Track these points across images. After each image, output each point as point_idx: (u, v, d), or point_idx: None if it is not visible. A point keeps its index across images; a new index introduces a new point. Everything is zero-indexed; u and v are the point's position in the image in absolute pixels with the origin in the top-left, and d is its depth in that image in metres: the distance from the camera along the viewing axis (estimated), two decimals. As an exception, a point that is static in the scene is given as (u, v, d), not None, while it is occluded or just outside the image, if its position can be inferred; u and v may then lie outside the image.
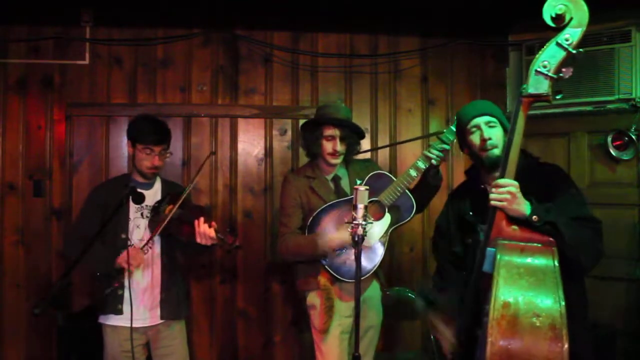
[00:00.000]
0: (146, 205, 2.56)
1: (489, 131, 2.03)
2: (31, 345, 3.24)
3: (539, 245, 1.72)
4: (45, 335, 3.21)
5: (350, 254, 2.57)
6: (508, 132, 1.86)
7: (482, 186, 2.08)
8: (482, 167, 2.09)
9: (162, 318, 2.60)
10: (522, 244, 1.72)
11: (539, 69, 1.74)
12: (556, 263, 1.64)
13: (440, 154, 2.54)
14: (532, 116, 3.65)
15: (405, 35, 3.60)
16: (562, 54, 1.71)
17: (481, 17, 3.54)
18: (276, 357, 3.46)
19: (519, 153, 1.83)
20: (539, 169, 2.06)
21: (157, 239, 2.57)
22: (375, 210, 2.62)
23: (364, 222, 1.91)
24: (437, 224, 2.33)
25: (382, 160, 3.52)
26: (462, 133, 2.12)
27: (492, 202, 1.80)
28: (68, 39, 3.31)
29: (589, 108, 3.34)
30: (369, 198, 2.54)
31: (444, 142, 2.55)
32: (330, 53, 3.53)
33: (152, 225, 2.52)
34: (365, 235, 1.93)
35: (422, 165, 2.57)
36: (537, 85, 1.75)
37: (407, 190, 2.62)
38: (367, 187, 1.95)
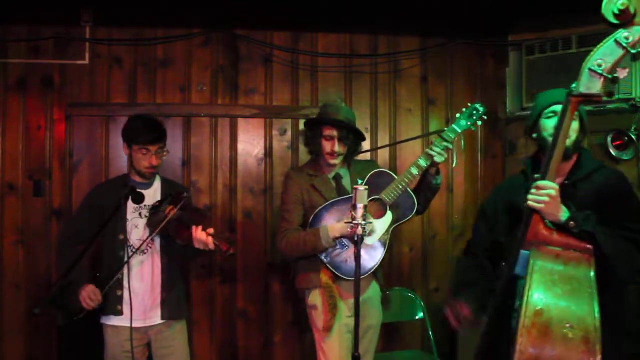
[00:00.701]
0: (145, 205, 2.55)
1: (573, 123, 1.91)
2: (31, 345, 3.24)
3: (577, 252, 1.65)
4: (45, 335, 3.21)
5: (351, 252, 2.57)
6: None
7: (536, 175, 1.96)
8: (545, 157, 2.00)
9: (163, 318, 2.60)
10: (559, 249, 1.66)
11: (592, 68, 1.64)
12: (592, 273, 1.57)
13: (443, 152, 2.54)
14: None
15: (405, 35, 3.60)
16: (620, 52, 1.61)
17: (481, 17, 3.54)
18: (276, 357, 3.46)
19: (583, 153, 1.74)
20: (602, 171, 1.98)
21: (157, 239, 2.56)
22: (377, 208, 2.62)
23: (363, 222, 1.91)
24: (484, 209, 2.25)
25: (382, 160, 3.52)
26: (537, 114, 2.02)
27: (530, 204, 1.74)
28: (68, 39, 3.31)
29: (589, 108, 3.33)
30: (370, 196, 2.57)
31: (446, 140, 2.55)
32: (330, 53, 3.53)
33: (151, 225, 2.51)
34: (366, 235, 1.93)
35: (423, 163, 2.57)
36: (590, 84, 1.65)
37: (408, 189, 2.62)
38: (367, 187, 1.95)
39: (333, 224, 2.55)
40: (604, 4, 1.59)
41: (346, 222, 2.11)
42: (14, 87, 3.28)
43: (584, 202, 1.84)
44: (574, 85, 1.68)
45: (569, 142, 1.90)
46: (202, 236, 2.37)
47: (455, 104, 3.63)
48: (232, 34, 3.45)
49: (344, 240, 2.58)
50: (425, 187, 2.67)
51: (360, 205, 1.92)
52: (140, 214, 2.59)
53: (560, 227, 1.74)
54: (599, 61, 1.63)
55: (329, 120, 2.65)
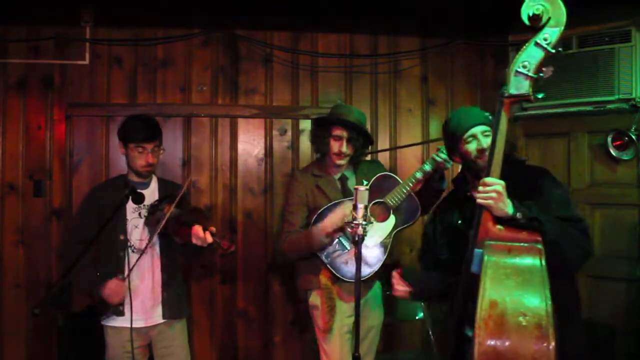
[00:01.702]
0: (144, 205, 2.55)
1: (486, 140, 2.02)
2: (31, 345, 3.24)
3: (525, 244, 1.73)
4: (45, 335, 3.21)
5: (352, 254, 2.57)
6: (492, 134, 1.86)
7: (469, 194, 2.09)
8: (471, 175, 2.10)
9: (164, 317, 2.60)
10: (509, 243, 1.73)
11: (519, 70, 1.74)
12: (543, 262, 1.65)
13: (449, 158, 2.54)
14: (532, 116, 3.70)
15: (405, 35, 3.60)
16: (541, 53, 1.72)
17: (481, 17, 3.54)
18: (276, 358, 3.46)
19: (503, 155, 1.83)
20: (524, 171, 2.08)
21: (156, 239, 2.56)
22: (381, 211, 2.62)
23: (364, 222, 1.92)
24: (425, 233, 2.34)
25: (382, 161, 3.51)
26: (455, 141, 2.11)
27: (479, 201, 1.81)
28: (68, 39, 3.31)
29: (589, 108, 3.34)
30: (375, 199, 2.57)
31: None
32: (330, 53, 3.53)
33: (149, 224, 2.51)
34: (366, 235, 1.93)
35: (428, 168, 2.58)
36: (518, 85, 1.75)
37: (412, 193, 2.62)
38: (367, 188, 1.95)
39: (323, 222, 2.53)
40: (523, 5, 1.71)
41: (346, 222, 2.11)
42: (14, 87, 3.28)
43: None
44: (504, 87, 1.78)
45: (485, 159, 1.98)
46: (201, 233, 2.38)
47: (455, 104, 3.63)
48: (232, 34, 3.45)
49: (344, 242, 2.58)
50: (429, 192, 2.68)
51: (360, 205, 1.92)
52: (139, 214, 2.59)
53: (508, 222, 1.81)
54: (524, 62, 1.74)
55: (340, 120, 2.65)
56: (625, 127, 3.21)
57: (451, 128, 2.13)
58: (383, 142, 3.57)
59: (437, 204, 2.45)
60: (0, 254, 3.25)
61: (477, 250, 1.78)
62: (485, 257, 1.68)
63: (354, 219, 1.92)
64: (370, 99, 3.58)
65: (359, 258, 1.95)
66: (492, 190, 1.79)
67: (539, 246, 1.71)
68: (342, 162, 2.68)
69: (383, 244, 2.61)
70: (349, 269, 2.57)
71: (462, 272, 1.87)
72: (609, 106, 3.26)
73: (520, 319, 1.53)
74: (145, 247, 2.49)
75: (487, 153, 1.99)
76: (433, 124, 3.63)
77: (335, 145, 2.64)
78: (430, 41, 3.61)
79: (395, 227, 2.63)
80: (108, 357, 2.58)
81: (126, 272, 2.43)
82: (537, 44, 1.72)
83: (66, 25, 3.30)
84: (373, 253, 2.59)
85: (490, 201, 1.79)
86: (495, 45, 3.67)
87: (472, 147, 2.05)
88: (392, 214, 2.62)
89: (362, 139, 2.68)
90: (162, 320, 2.60)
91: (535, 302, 1.56)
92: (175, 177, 3.26)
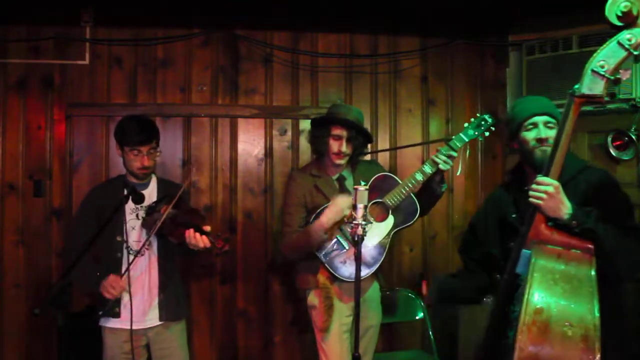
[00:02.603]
0: (141, 206, 2.55)
1: (547, 132, 1.95)
2: (31, 345, 3.24)
3: (578, 251, 1.66)
4: (45, 335, 3.21)
5: (350, 254, 2.57)
6: (556, 132, 1.79)
7: (527, 187, 1.97)
8: (529, 167, 2.02)
9: (161, 319, 2.59)
10: (560, 248, 1.67)
11: (595, 69, 1.64)
12: (593, 272, 1.58)
13: (448, 159, 2.54)
14: (532, 116, 3.63)
15: (405, 35, 3.60)
16: (622, 54, 1.60)
17: (481, 17, 3.54)
18: (276, 358, 3.46)
19: (566, 155, 1.76)
20: (587, 171, 1.99)
21: (154, 240, 2.56)
22: (379, 211, 2.62)
23: (363, 222, 1.91)
24: (473, 223, 2.28)
25: (382, 161, 3.51)
26: (516, 127, 2.03)
27: (531, 200, 1.76)
28: (68, 39, 3.31)
29: (589, 108, 3.33)
30: (373, 199, 2.57)
31: (452, 149, 2.55)
32: (330, 53, 3.53)
33: (146, 225, 2.51)
34: (366, 234, 1.93)
35: (428, 170, 2.57)
36: (592, 85, 1.65)
37: (412, 194, 2.62)
38: (367, 188, 1.95)
39: (320, 218, 2.50)
40: (607, 5, 1.59)
41: (346, 222, 2.11)
42: (14, 87, 3.28)
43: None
44: (576, 86, 1.69)
45: (549, 150, 1.91)
46: (195, 236, 2.37)
47: (455, 104, 3.63)
48: (232, 34, 3.45)
49: (342, 241, 2.58)
50: (429, 193, 2.67)
51: (360, 205, 1.92)
52: (137, 215, 2.57)
53: (562, 226, 1.75)
54: (602, 62, 1.63)
55: (340, 119, 2.64)
56: (625, 127, 3.20)
57: (515, 111, 2.06)
58: (383, 142, 3.57)
59: (490, 195, 2.35)
60: (0, 254, 3.25)
61: (525, 251, 1.72)
62: (533, 260, 1.62)
63: (354, 219, 1.92)
64: (370, 99, 3.58)
65: (358, 258, 1.95)
66: (544, 191, 1.73)
67: (591, 254, 1.64)
68: (342, 161, 2.67)
69: (381, 244, 2.60)
70: (347, 268, 2.57)
71: (506, 272, 1.81)
72: (609, 106, 3.26)
73: (566, 328, 1.48)
74: (141, 248, 2.48)
75: (545, 144, 1.93)
76: (433, 124, 3.63)
77: (334, 145, 2.63)
78: (430, 41, 3.61)
79: (393, 227, 2.63)
80: (106, 358, 2.58)
81: (123, 273, 2.42)
82: (619, 44, 1.61)
83: (66, 25, 3.30)
84: (371, 253, 2.59)
85: (540, 201, 1.73)
86: (495, 45, 3.67)
87: (531, 135, 1.98)
88: (391, 214, 2.62)
89: (361, 138, 2.67)
90: (159, 323, 2.59)
91: (582, 312, 1.50)
92: (175, 177, 3.26)
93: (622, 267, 1.76)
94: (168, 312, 2.60)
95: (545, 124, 1.98)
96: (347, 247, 2.58)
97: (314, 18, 3.47)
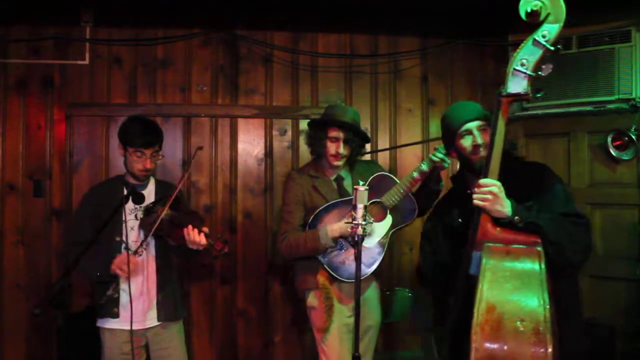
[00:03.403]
0: (140, 207, 2.55)
1: (482, 137, 2.00)
2: (31, 345, 3.24)
3: (524, 246, 1.70)
4: (45, 335, 3.21)
5: (350, 254, 2.57)
6: (490, 134, 1.83)
7: (469, 191, 2.03)
8: (470, 172, 2.07)
9: (159, 320, 2.59)
10: (508, 246, 1.71)
11: (517, 68, 1.72)
12: (542, 265, 1.63)
13: (446, 158, 2.54)
14: (532, 116, 3.69)
15: (405, 35, 3.60)
16: (540, 51, 1.69)
17: (481, 17, 3.54)
18: (276, 357, 3.45)
19: (502, 154, 1.80)
20: (523, 168, 2.05)
21: (151, 240, 2.56)
22: (377, 211, 2.62)
23: (363, 222, 1.91)
24: (424, 232, 2.31)
25: (382, 161, 3.51)
26: (451, 136, 2.08)
27: (475, 202, 1.79)
28: (68, 39, 3.31)
29: (589, 108, 3.34)
30: (372, 199, 2.57)
31: None
32: (330, 53, 3.53)
33: (144, 226, 2.51)
34: (366, 235, 1.93)
35: (425, 168, 2.58)
36: (516, 84, 1.73)
37: (410, 194, 2.62)
38: (367, 188, 1.95)
39: (332, 225, 2.55)
40: (521, 1, 1.67)
41: (346, 222, 2.12)
42: (14, 87, 3.28)
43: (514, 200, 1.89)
44: (502, 87, 1.76)
45: (484, 155, 1.95)
46: (194, 235, 2.37)
47: (455, 104, 3.63)
48: (232, 34, 3.45)
49: (342, 241, 2.58)
50: (426, 192, 2.68)
51: (360, 206, 1.92)
52: (135, 216, 2.58)
53: (507, 224, 1.78)
54: (523, 60, 1.71)
55: (336, 121, 2.64)
56: (625, 127, 3.21)
57: (447, 122, 2.10)
58: (383, 142, 3.57)
59: (435, 203, 2.42)
60: (0, 254, 3.25)
61: (476, 253, 1.75)
62: (484, 260, 1.66)
63: (354, 218, 1.92)
64: (370, 99, 3.58)
65: (359, 258, 1.95)
66: (488, 192, 1.77)
67: (539, 248, 1.68)
68: (340, 163, 2.68)
69: (380, 244, 2.61)
70: (347, 269, 2.57)
71: (459, 275, 1.84)
72: (609, 106, 3.26)
73: (518, 323, 1.52)
74: (138, 249, 2.48)
75: (481, 149, 1.98)
76: (433, 124, 3.62)
77: (332, 147, 2.64)
78: (430, 41, 3.61)
79: (392, 226, 2.63)
80: (105, 359, 2.58)
81: (122, 278, 2.42)
82: (535, 42, 1.69)
83: (66, 25, 3.30)
84: (370, 253, 2.59)
85: (486, 203, 1.77)
86: (495, 45, 3.66)
87: (467, 142, 2.03)
88: (389, 213, 2.62)
89: (358, 139, 2.68)
90: (157, 323, 2.59)
91: (533, 306, 1.54)
92: (175, 178, 3.26)
93: (569, 255, 1.79)
94: (166, 312, 2.60)
95: (478, 127, 2.02)
96: (346, 247, 2.58)
97: (314, 18, 3.47)
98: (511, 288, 1.59)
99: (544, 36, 1.67)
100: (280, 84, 3.50)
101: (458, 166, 2.25)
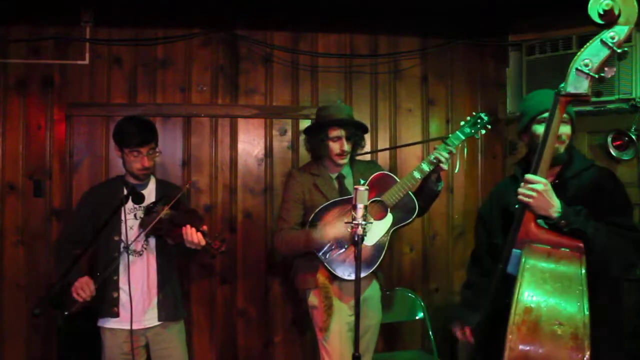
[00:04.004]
0: (140, 207, 2.55)
1: (562, 128, 1.92)
2: (31, 346, 3.24)
3: (567, 250, 1.66)
4: (45, 336, 3.21)
5: (350, 253, 2.57)
6: (544, 131, 1.79)
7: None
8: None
9: (159, 319, 2.59)
10: (550, 247, 1.67)
11: (579, 68, 1.66)
12: (583, 270, 1.59)
13: (446, 157, 2.55)
14: (532, 116, 3.63)
15: (405, 35, 3.60)
16: (606, 52, 1.63)
17: (481, 17, 3.54)
18: (276, 357, 3.45)
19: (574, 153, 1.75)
20: (591, 169, 2.00)
21: (152, 240, 2.56)
22: (378, 210, 2.63)
23: (363, 222, 1.91)
24: (480, 213, 2.30)
25: (382, 161, 3.52)
26: (529, 119, 2.01)
27: (520, 197, 1.76)
28: (68, 39, 3.30)
29: (589, 108, 3.34)
30: (372, 198, 2.57)
31: (449, 146, 2.57)
32: (330, 53, 3.53)
33: (144, 226, 2.51)
34: (366, 235, 1.93)
35: (426, 168, 2.59)
36: (577, 84, 1.68)
37: (410, 192, 2.62)
38: (367, 188, 1.95)
39: (327, 227, 2.55)
40: (589, 4, 1.61)
41: (346, 222, 2.12)
42: (14, 87, 3.28)
43: (573, 199, 1.86)
44: (562, 85, 1.71)
45: (562, 147, 1.93)
46: (192, 234, 2.37)
47: (455, 104, 3.63)
48: (232, 34, 3.45)
49: (343, 240, 2.58)
50: (426, 192, 2.69)
51: (360, 205, 1.92)
52: (135, 215, 2.58)
53: (551, 225, 1.75)
54: (586, 61, 1.66)
55: (335, 120, 2.65)
56: (625, 127, 3.21)
57: (527, 105, 2.05)
58: (383, 142, 3.57)
59: (496, 186, 2.34)
60: (0, 254, 3.25)
61: (515, 251, 1.72)
62: (523, 259, 1.62)
63: (354, 218, 1.92)
64: (370, 99, 3.58)
65: (358, 258, 1.95)
66: (533, 189, 1.73)
67: (581, 253, 1.64)
68: (345, 160, 2.70)
69: (380, 243, 2.61)
70: (347, 267, 2.58)
71: (497, 272, 1.80)
72: (609, 106, 3.26)
73: (556, 327, 1.49)
74: (129, 245, 2.47)
75: (560, 140, 1.91)
76: (433, 124, 3.63)
77: (335, 147, 2.65)
78: (430, 41, 3.61)
79: (392, 225, 2.63)
80: (105, 359, 2.58)
81: (121, 273, 2.41)
82: (602, 42, 1.63)
83: (66, 25, 3.30)
84: (371, 251, 2.59)
85: (530, 200, 1.73)
86: (495, 45, 3.67)
87: (543, 129, 1.93)
88: (390, 212, 2.63)
89: (359, 132, 2.71)
90: (158, 323, 2.59)
91: (572, 311, 1.51)
92: (176, 178, 3.26)
93: (612, 266, 1.76)
94: (167, 312, 2.60)
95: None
96: (346, 246, 2.58)
97: (314, 18, 3.47)
98: (550, 290, 1.56)
99: (612, 37, 1.62)
100: (280, 84, 3.50)
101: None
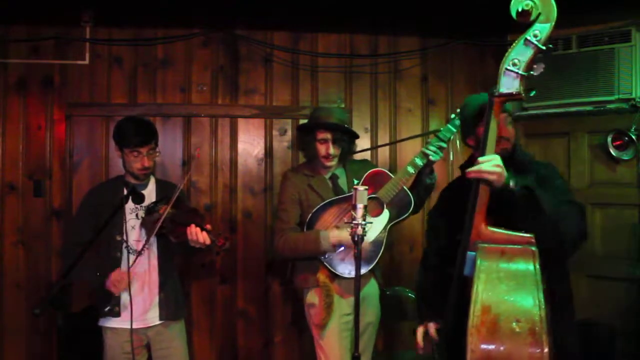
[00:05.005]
0: (141, 206, 2.55)
1: (507, 128, 1.97)
2: (31, 345, 3.24)
3: (519, 247, 1.69)
4: (45, 335, 3.22)
5: (350, 251, 2.58)
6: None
7: (469, 169, 2.00)
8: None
9: (161, 319, 2.59)
10: (502, 246, 1.69)
11: (509, 68, 1.72)
12: (537, 265, 1.62)
13: (438, 150, 2.58)
14: (532, 116, 3.69)
15: (405, 35, 3.60)
16: (532, 50, 1.70)
17: (481, 17, 3.54)
18: (276, 358, 3.46)
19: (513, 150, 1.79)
20: (532, 165, 2.05)
21: (153, 239, 2.56)
22: (374, 206, 2.64)
23: (363, 222, 1.92)
24: (429, 216, 2.34)
25: (382, 159, 3.52)
26: (472, 123, 2.05)
27: (483, 174, 1.74)
28: (68, 39, 3.31)
29: (589, 108, 3.34)
30: (367, 195, 2.58)
31: (442, 140, 2.59)
32: (330, 53, 3.53)
33: (145, 226, 2.52)
34: (365, 235, 1.94)
35: (419, 162, 2.61)
36: (508, 84, 1.73)
37: (405, 187, 2.64)
38: (367, 187, 1.96)
39: (333, 231, 2.57)
40: (511, 2, 1.69)
41: (346, 223, 2.13)
42: (14, 87, 3.28)
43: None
44: (494, 87, 1.75)
45: (509, 147, 1.96)
46: (197, 234, 2.38)
47: (455, 104, 3.61)
48: (232, 34, 3.45)
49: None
50: (420, 186, 2.71)
51: (360, 206, 1.92)
52: (136, 215, 2.58)
53: (501, 224, 1.75)
54: (514, 60, 1.71)
55: (323, 124, 2.68)
56: (625, 127, 3.20)
57: (468, 110, 2.08)
58: (383, 141, 3.56)
59: (443, 189, 2.38)
60: (0, 254, 3.25)
61: (470, 253, 1.74)
62: (478, 261, 1.65)
63: (354, 218, 1.92)
64: (370, 99, 3.58)
65: (358, 258, 1.95)
66: (496, 164, 1.74)
67: (533, 248, 1.67)
68: (332, 163, 2.72)
69: (378, 239, 2.62)
70: (347, 266, 2.59)
71: (454, 276, 1.83)
72: (609, 106, 3.26)
73: (514, 324, 1.51)
74: (142, 248, 2.49)
75: (504, 140, 1.95)
76: (433, 123, 3.62)
77: (322, 149, 2.68)
78: (430, 41, 3.61)
79: (390, 221, 2.65)
80: (106, 358, 2.58)
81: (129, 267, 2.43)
82: (526, 41, 1.70)
83: (66, 25, 3.30)
84: (369, 248, 2.60)
85: (493, 176, 1.72)
86: (495, 45, 3.66)
87: None
88: (386, 208, 2.64)
89: (347, 138, 2.72)
90: (159, 322, 2.60)
91: (528, 307, 1.54)
92: (176, 178, 3.26)
93: (563, 229, 1.77)
94: (168, 311, 2.61)
95: (504, 118, 1.98)
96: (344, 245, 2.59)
97: (314, 18, 3.46)
98: (506, 289, 1.59)
99: (535, 36, 1.68)
100: (280, 84, 3.50)
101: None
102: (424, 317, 2.25)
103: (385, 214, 2.64)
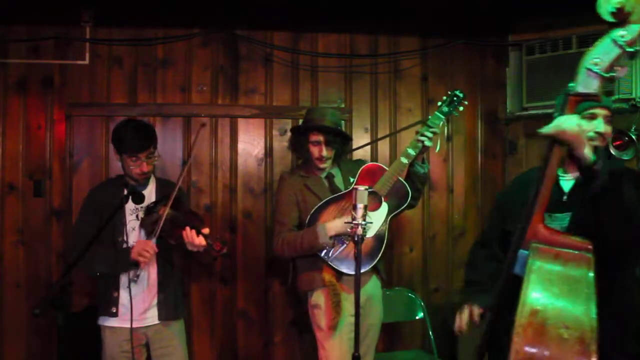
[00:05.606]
0: (141, 207, 2.55)
1: (606, 127, 1.91)
2: (31, 345, 3.24)
3: (576, 252, 1.63)
4: (45, 335, 3.21)
5: (351, 249, 2.57)
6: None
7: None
8: (569, 157, 1.95)
9: (160, 318, 2.59)
10: (557, 249, 1.64)
11: (589, 67, 1.62)
12: (591, 273, 1.56)
13: (430, 136, 2.62)
14: (532, 116, 3.68)
15: (405, 35, 3.60)
16: (616, 51, 1.58)
17: (481, 17, 3.54)
18: (276, 358, 3.45)
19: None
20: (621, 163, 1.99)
21: (152, 240, 2.56)
22: (372, 201, 2.63)
23: (363, 223, 1.92)
24: (498, 199, 2.31)
25: (382, 157, 3.53)
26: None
27: (562, 131, 1.65)
28: (68, 39, 3.31)
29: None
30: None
31: (431, 127, 2.65)
32: (330, 53, 3.53)
33: (145, 226, 2.51)
34: (365, 235, 1.94)
35: (412, 152, 2.64)
36: (587, 83, 1.63)
37: (400, 178, 2.65)
38: (367, 187, 1.96)
39: (330, 223, 2.57)
40: (599, 2, 1.59)
41: (346, 222, 2.13)
42: (14, 87, 3.28)
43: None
44: (571, 85, 1.67)
45: (601, 146, 1.91)
46: (193, 237, 2.38)
47: (455, 104, 3.63)
48: (232, 34, 3.45)
49: (343, 236, 2.59)
50: (414, 176, 2.71)
51: (360, 205, 1.92)
52: (137, 216, 2.58)
53: (560, 228, 1.74)
54: (596, 60, 1.61)
55: (315, 126, 2.69)
56: (625, 127, 3.20)
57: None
58: (383, 141, 3.56)
59: (519, 174, 2.33)
60: (0, 254, 3.25)
61: (523, 251, 1.70)
62: (530, 260, 1.60)
63: (354, 218, 1.92)
64: (370, 99, 3.58)
65: (359, 258, 1.95)
66: (576, 124, 1.65)
67: (589, 255, 1.61)
68: (324, 165, 2.74)
69: (380, 233, 2.63)
70: (350, 263, 2.58)
71: (503, 273, 1.78)
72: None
73: (562, 330, 1.46)
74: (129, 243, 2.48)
75: (599, 139, 1.90)
76: (433, 123, 3.62)
77: (315, 151, 2.70)
78: (430, 41, 3.61)
79: (389, 213, 2.66)
80: (105, 357, 2.58)
81: (123, 273, 2.43)
82: (613, 41, 1.59)
83: (66, 25, 3.30)
84: (372, 243, 2.61)
85: (567, 125, 1.63)
86: (495, 45, 3.67)
87: (589, 126, 1.90)
88: (384, 201, 2.66)
89: (339, 140, 2.74)
90: (158, 322, 2.59)
91: (579, 314, 1.48)
92: (176, 178, 3.24)
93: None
94: (167, 310, 2.60)
95: (606, 117, 1.95)
96: (346, 242, 2.59)
97: (314, 18, 3.46)
98: (557, 292, 1.54)
99: (622, 36, 1.58)
100: (280, 84, 3.50)
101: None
102: (469, 299, 2.19)
103: (384, 206, 2.65)
